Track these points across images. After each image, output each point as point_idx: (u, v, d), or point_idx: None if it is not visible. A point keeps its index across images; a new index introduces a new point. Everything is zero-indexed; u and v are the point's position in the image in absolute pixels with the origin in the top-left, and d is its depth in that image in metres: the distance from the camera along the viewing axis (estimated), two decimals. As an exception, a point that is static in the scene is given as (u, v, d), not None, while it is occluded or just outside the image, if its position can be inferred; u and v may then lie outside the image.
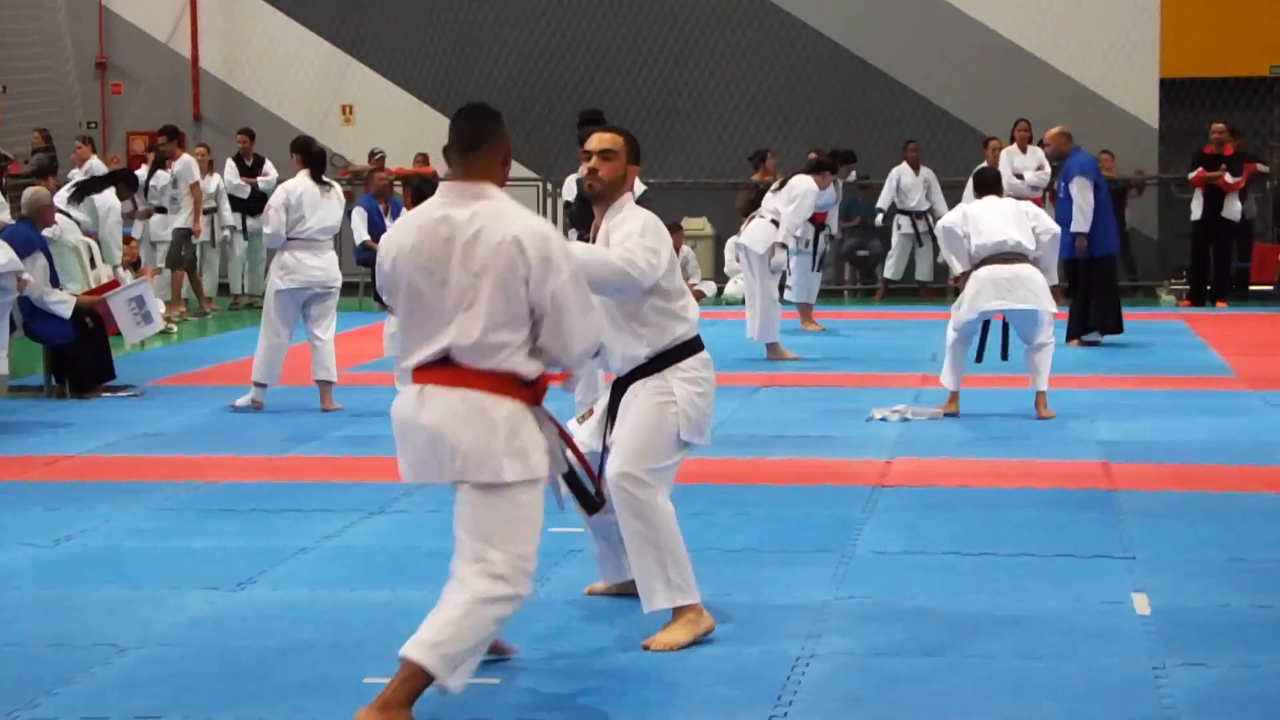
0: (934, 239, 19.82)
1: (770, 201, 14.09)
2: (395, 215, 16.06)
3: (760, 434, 10.09)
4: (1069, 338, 14.27)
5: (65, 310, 11.54)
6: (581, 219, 10.08)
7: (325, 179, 11.31)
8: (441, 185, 5.09)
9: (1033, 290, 10.29)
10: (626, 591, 6.13)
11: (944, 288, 19.48)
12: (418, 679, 4.79)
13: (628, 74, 21.24)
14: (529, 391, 4.94)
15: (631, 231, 5.76)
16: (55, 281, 11.77)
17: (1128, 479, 8.62)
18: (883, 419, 10.51)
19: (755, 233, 13.93)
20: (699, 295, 19.54)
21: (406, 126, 21.17)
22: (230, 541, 7.30)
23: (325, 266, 11.10)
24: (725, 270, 20.10)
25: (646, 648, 5.64)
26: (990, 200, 10.62)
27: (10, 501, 8.23)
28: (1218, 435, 9.93)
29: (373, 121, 21.51)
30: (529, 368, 4.93)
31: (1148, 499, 8.16)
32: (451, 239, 4.87)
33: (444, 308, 4.88)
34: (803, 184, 14.17)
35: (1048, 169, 18.36)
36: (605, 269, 5.67)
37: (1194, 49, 20.25)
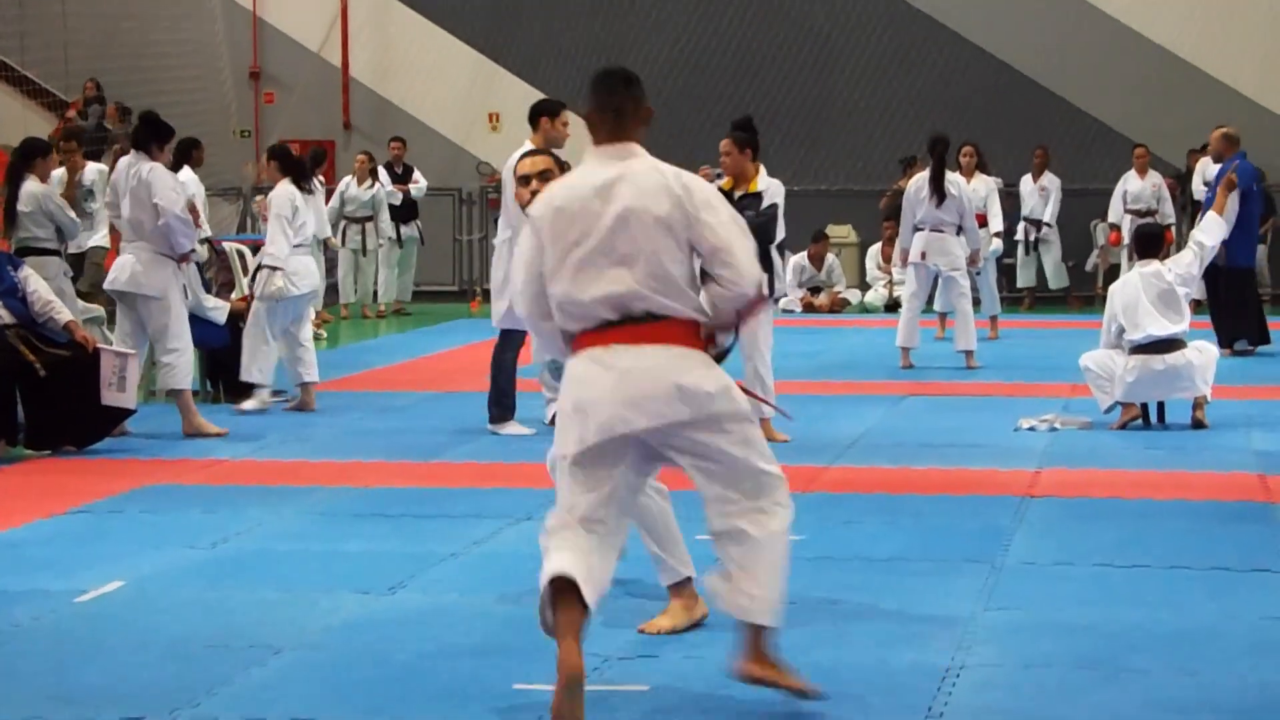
0: (1057, 245, 19.60)
1: (933, 213, 13.74)
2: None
3: (907, 442, 10.03)
4: (1219, 348, 14.04)
5: (220, 316, 11.75)
6: None
7: (308, 186, 11.61)
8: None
9: (1190, 379, 10.22)
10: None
11: (1082, 295, 19.27)
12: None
13: (772, 82, 21.21)
14: None
15: None
16: (208, 287, 11.98)
17: (1285, 492, 8.46)
18: (1031, 428, 10.40)
19: (953, 248, 13.73)
20: (844, 303, 19.45)
21: (552, 134, 21.27)
22: (381, 545, 7.39)
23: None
24: (867, 278, 20.01)
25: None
26: (1139, 280, 10.32)
27: (170, 504, 8.40)
28: (1378, 448, 9.71)
29: (520, 129, 21.56)
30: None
31: (1306, 512, 8.00)
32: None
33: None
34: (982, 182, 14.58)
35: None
36: None
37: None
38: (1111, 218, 19.10)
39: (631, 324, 4.94)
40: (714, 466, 5.00)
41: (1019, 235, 19.54)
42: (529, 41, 21.82)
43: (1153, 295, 10.26)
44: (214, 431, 10.40)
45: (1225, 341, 14.24)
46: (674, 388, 4.91)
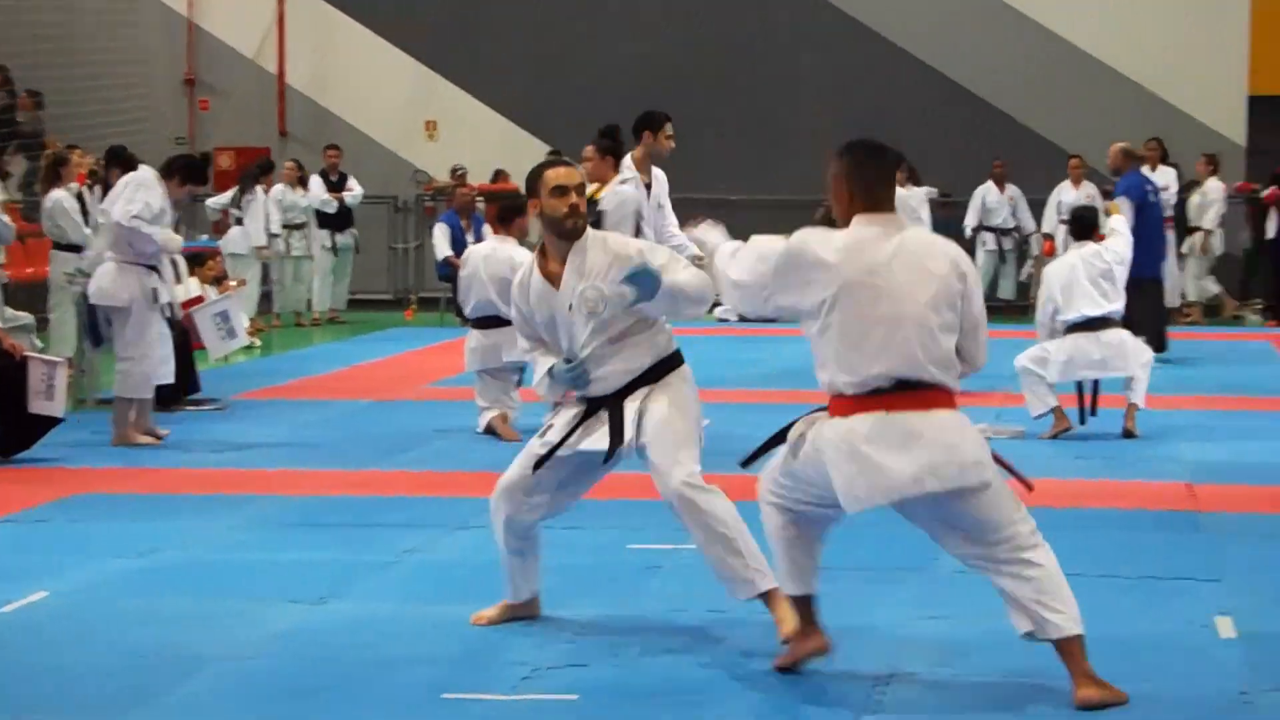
0: (1018, 257, 19.81)
1: None
2: (477, 231, 16.16)
3: (841, 452, 10.03)
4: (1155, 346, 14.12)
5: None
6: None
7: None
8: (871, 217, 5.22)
9: (1123, 357, 10.36)
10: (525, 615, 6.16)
11: (1026, 305, 19.39)
12: (1080, 645, 5.21)
13: (717, 94, 21.22)
14: None
15: (665, 253, 6.00)
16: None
17: (1212, 501, 8.53)
18: (964, 438, 10.44)
19: None
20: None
21: (490, 143, 21.27)
22: (314, 555, 7.35)
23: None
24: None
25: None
26: (1077, 260, 10.44)
27: (99, 513, 8.33)
28: (1305, 457, 9.82)
29: (456, 137, 21.63)
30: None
31: (1233, 521, 8.07)
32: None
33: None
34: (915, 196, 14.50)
35: (1174, 189, 18.32)
36: (706, 288, 5.91)
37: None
38: (1046, 228, 19.23)
39: (910, 390, 5.13)
40: (961, 527, 5.22)
41: (990, 245, 19.67)
42: (469, 51, 21.77)
43: (1093, 274, 10.38)
44: (144, 442, 10.33)
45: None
46: (961, 456, 5.13)
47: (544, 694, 5.35)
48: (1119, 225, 11.17)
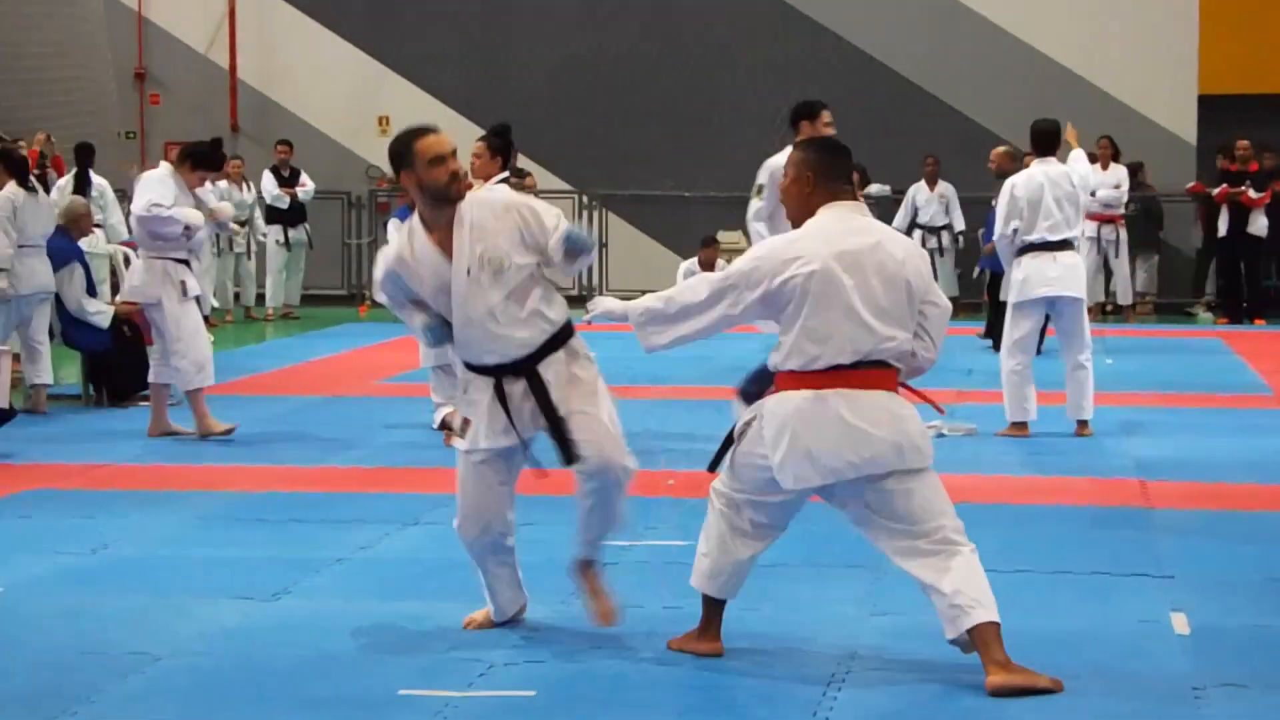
0: (954, 253, 19.80)
1: None
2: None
3: (794, 448, 10.02)
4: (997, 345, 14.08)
5: (104, 320, 11.60)
6: None
7: (32, 185, 11.51)
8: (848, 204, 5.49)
9: (1079, 280, 10.44)
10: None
11: (969, 302, 19.46)
12: (996, 633, 5.30)
13: (660, 86, 21.22)
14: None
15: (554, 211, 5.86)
16: (92, 291, 11.83)
17: (1164, 497, 8.57)
18: (917, 434, 10.45)
19: None
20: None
21: (442, 138, 21.18)
22: (263, 551, 7.31)
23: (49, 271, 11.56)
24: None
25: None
26: (1044, 179, 10.32)
27: (46, 509, 8.26)
28: (1255, 453, 9.87)
29: (408, 132, 21.53)
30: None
31: (1185, 517, 8.11)
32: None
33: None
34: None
35: (1125, 187, 18.36)
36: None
37: (1234, 64, 20.15)
38: (996, 224, 19.27)
39: (863, 369, 5.38)
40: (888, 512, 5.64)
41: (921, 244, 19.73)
42: (417, 45, 21.70)
43: (1059, 195, 10.34)
44: (224, 429, 10.36)
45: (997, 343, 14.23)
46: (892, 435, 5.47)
47: (501, 690, 5.33)
48: (1080, 156, 11.14)
